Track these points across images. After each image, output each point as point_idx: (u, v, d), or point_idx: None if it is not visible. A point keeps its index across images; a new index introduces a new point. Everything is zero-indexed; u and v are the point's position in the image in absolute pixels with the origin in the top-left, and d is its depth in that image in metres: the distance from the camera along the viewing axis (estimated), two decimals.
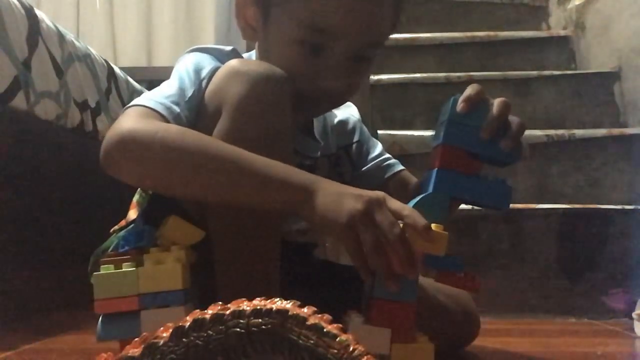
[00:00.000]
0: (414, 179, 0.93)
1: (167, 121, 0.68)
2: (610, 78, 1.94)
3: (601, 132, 1.76)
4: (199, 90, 0.74)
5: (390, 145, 1.63)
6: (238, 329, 0.43)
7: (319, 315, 0.44)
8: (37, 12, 1.25)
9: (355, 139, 0.98)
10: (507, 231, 1.49)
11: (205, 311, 0.44)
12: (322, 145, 0.91)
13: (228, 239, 0.70)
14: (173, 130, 0.66)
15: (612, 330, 1.24)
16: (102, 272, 0.61)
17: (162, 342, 0.42)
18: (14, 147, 1.21)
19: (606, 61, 1.99)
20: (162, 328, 0.43)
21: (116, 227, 0.84)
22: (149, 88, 0.92)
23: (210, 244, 0.69)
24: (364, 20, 0.74)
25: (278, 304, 0.44)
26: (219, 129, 0.69)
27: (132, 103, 0.70)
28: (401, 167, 0.96)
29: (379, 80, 1.95)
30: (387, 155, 0.98)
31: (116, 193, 0.89)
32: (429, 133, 1.72)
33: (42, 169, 1.32)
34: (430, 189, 0.69)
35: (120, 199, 0.90)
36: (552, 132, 1.73)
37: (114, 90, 1.62)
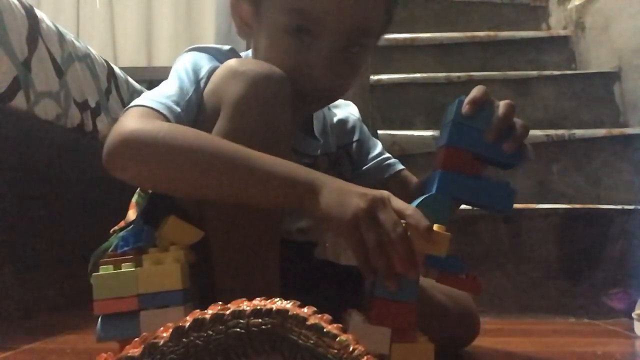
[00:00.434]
0: (414, 179, 0.93)
1: (169, 121, 0.68)
2: (610, 78, 1.95)
3: (601, 132, 1.76)
4: (198, 90, 0.74)
5: (390, 145, 1.63)
6: (238, 329, 0.43)
7: (319, 315, 0.44)
8: (37, 12, 1.25)
9: (355, 138, 0.98)
10: (507, 231, 1.49)
11: (205, 311, 0.44)
12: (322, 143, 0.91)
13: (227, 239, 0.70)
14: (176, 129, 0.66)
15: (612, 330, 1.24)
16: (101, 272, 0.61)
17: (162, 342, 0.42)
18: (14, 147, 1.21)
19: (606, 61, 1.99)
20: (162, 328, 0.44)
21: (116, 227, 0.84)
22: (149, 88, 0.92)
23: (210, 244, 0.69)
24: (352, 4, 0.73)
25: (278, 304, 0.44)
26: (218, 128, 0.69)
27: (133, 103, 0.70)
28: (401, 167, 0.96)
29: (379, 80, 1.95)
30: (387, 155, 0.98)
31: (116, 193, 0.89)
32: (429, 133, 1.72)
33: (42, 169, 1.32)
34: (434, 190, 0.69)
35: (120, 199, 0.90)
36: (552, 132, 1.73)
37: (114, 90, 1.62)
